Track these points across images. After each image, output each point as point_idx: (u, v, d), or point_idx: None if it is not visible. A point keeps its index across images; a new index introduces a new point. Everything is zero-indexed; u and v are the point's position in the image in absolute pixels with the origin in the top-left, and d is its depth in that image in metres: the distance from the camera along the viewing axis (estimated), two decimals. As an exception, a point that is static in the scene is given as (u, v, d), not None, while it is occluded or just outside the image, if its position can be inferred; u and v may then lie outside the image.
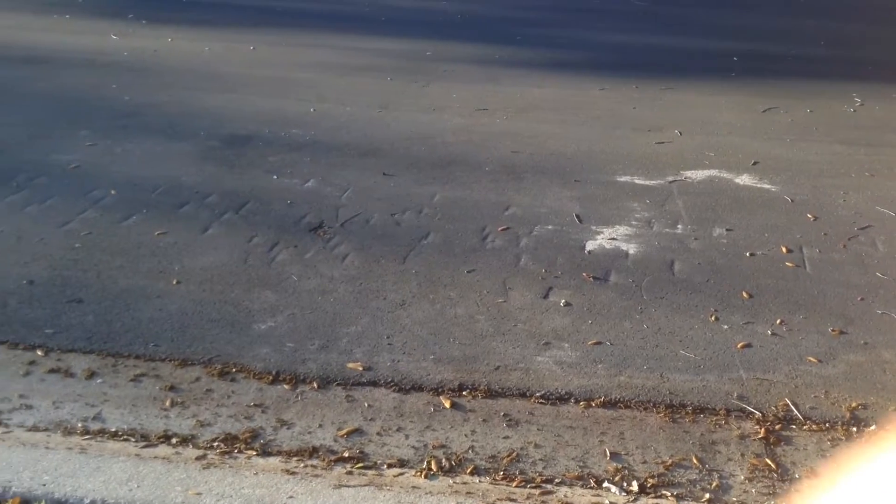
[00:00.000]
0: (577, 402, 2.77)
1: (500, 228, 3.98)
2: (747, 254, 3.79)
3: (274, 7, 8.85)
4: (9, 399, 2.72)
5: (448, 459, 2.49)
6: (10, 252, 3.62)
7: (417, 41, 7.65)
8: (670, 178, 4.63)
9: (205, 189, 4.33)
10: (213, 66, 6.62)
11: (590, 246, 3.84)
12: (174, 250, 3.70)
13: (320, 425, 2.64)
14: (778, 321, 3.26)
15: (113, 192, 4.23)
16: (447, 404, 2.75)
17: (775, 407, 2.75)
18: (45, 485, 2.23)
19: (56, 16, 8.08)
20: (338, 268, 3.60)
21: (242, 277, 3.50)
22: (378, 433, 2.61)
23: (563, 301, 3.37)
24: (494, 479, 2.41)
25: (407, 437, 2.59)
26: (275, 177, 4.52)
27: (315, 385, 2.83)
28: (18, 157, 4.65)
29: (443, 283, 3.50)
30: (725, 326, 3.22)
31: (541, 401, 2.77)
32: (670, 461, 2.49)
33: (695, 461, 2.50)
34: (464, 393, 2.81)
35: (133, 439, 2.55)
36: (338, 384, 2.85)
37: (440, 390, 2.82)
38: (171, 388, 2.80)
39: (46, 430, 2.58)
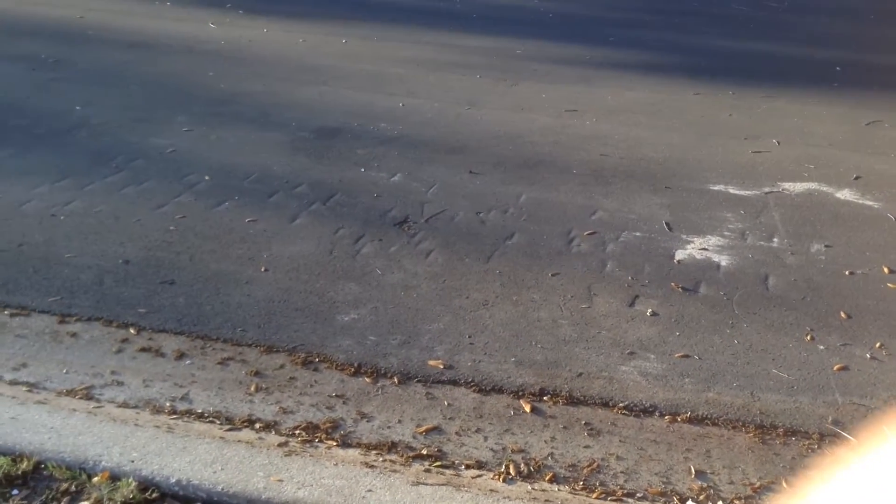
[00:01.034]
0: (661, 415, 2.69)
1: (586, 232, 3.92)
2: (846, 272, 3.63)
3: (367, 1, 8.94)
4: (101, 375, 2.81)
5: (527, 465, 2.45)
6: (109, 231, 3.74)
7: (508, 39, 7.60)
8: (767, 190, 4.47)
9: (294, 179, 4.40)
10: (306, 57, 6.73)
11: (679, 255, 3.74)
12: (263, 238, 3.77)
13: (400, 421, 2.64)
14: (877, 344, 3.11)
15: (207, 177, 4.34)
16: (527, 408, 2.71)
17: (872, 434, 2.62)
18: (133, 461, 2.30)
19: (158, 3, 8.35)
20: (421, 264, 3.60)
21: (328, 268, 3.54)
22: (457, 433, 2.59)
23: (649, 310, 3.29)
24: (574, 488, 2.36)
25: (486, 438, 2.57)
26: (362, 170, 4.56)
27: (396, 380, 2.84)
28: (119, 139, 4.82)
29: (526, 284, 3.46)
30: (821, 347, 3.09)
31: (624, 412, 2.71)
32: (758, 483, 2.40)
33: (784, 485, 2.40)
34: (545, 398, 2.77)
35: (218, 422, 2.60)
36: (418, 381, 2.85)
37: (521, 394, 2.79)
38: (256, 374, 2.85)
39: (136, 407, 2.66)
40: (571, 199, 4.30)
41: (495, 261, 3.65)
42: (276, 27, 7.61)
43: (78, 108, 5.26)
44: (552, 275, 3.54)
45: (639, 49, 7.54)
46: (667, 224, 4.03)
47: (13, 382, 2.73)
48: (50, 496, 2.14)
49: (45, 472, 2.23)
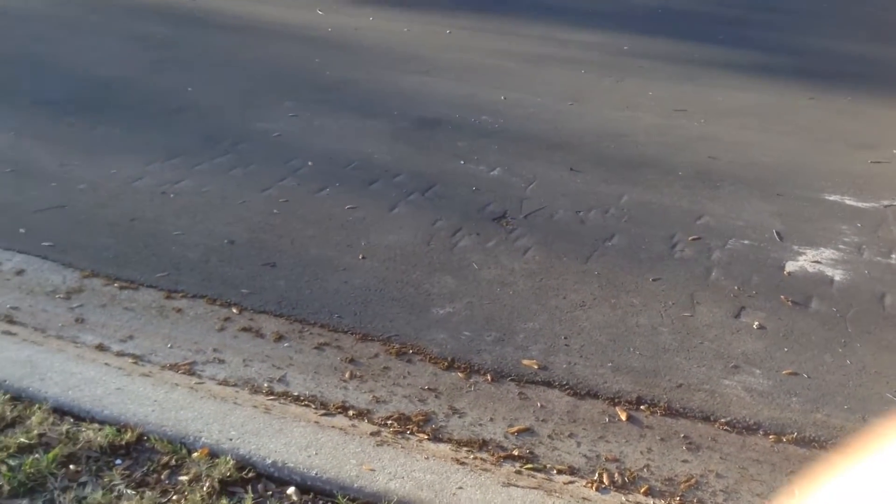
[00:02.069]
0: (766, 434, 2.57)
1: (690, 238, 3.79)
2: (974, 295, 3.39)
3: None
4: (204, 351, 2.89)
5: (621, 475, 2.38)
6: (216, 211, 3.84)
7: (614, 34, 7.44)
8: (886, 203, 4.22)
9: (394, 168, 4.42)
10: (410, 47, 6.75)
11: (790, 267, 3.57)
12: (362, 225, 3.80)
13: (491, 419, 2.61)
14: None
15: (310, 163, 4.41)
16: (623, 416, 2.64)
17: None
18: (231, 439, 2.34)
19: (269, -10, 8.54)
20: (518, 260, 3.56)
21: (424, 260, 3.54)
22: (549, 436, 2.54)
23: (756, 323, 3.15)
24: (670, 503, 2.28)
25: (579, 444, 2.51)
26: (462, 162, 4.54)
27: (489, 377, 2.81)
28: (228, 121, 4.94)
29: (626, 288, 3.37)
30: (943, 374, 2.89)
31: (726, 427, 2.60)
32: (869, 516, 2.26)
33: (898, 520, 2.25)
34: (642, 407, 2.69)
35: (313, 406, 2.63)
36: (511, 379, 2.81)
37: (617, 400, 2.72)
38: (351, 361, 2.87)
39: (235, 385, 2.71)
40: (676, 202, 4.16)
41: (594, 262, 3.57)
42: (381, 16, 7.67)
43: (189, 89, 5.42)
44: (653, 280, 3.44)
45: (750, 48, 7.25)
46: (777, 233, 3.85)
47: (120, 354, 2.83)
48: (151, 468, 2.21)
49: (147, 444, 2.30)
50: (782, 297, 3.33)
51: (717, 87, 6.08)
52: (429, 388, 2.74)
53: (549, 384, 2.79)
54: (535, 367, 2.86)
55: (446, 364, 2.87)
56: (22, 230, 3.57)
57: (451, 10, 8.03)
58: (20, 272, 3.28)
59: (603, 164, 4.59)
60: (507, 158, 4.60)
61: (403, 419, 2.58)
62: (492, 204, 4.06)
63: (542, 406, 2.68)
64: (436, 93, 5.64)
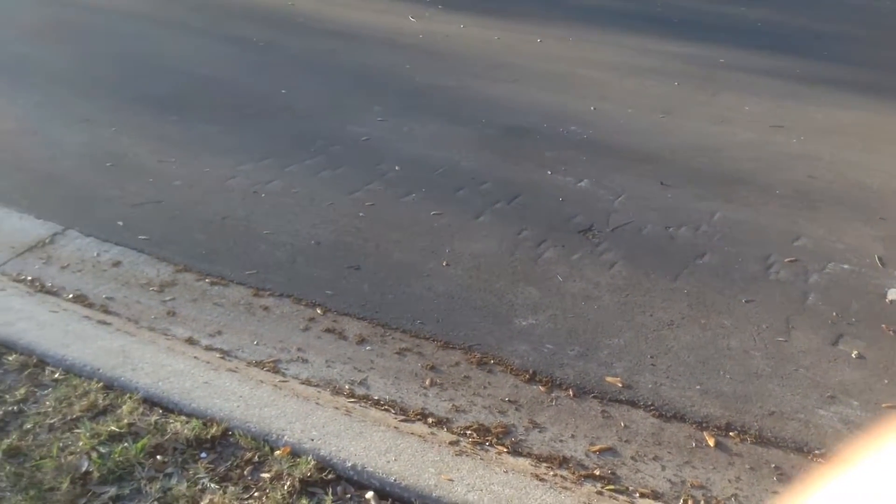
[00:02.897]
0: (864, 471, 2.44)
1: (786, 259, 3.64)
2: None
3: (565, 2, 8.84)
4: (288, 350, 2.93)
5: (707, 502, 2.30)
6: (304, 212, 3.90)
7: (710, 46, 7.25)
8: None
9: (480, 176, 4.40)
10: (500, 55, 6.73)
11: (893, 295, 3.38)
12: (447, 232, 3.79)
13: (573, 435, 2.56)
14: None
15: (397, 167, 4.43)
16: (710, 442, 2.54)
17: None
18: (312, 440, 2.36)
19: (363, -4, 8.66)
20: (604, 275, 3.49)
21: (508, 269, 3.50)
22: (632, 457, 2.47)
23: (855, 352, 3.00)
24: (758, 537, 2.19)
25: (663, 468, 2.43)
26: (549, 172, 4.49)
27: (571, 392, 2.75)
28: (318, 124, 5.02)
29: (716, 309, 3.26)
30: None
31: (820, 460, 2.48)
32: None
33: None
34: (731, 433, 2.59)
35: (393, 411, 2.63)
36: (594, 396, 2.75)
37: (704, 425, 2.62)
38: (432, 368, 2.86)
39: (317, 386, 2.74)
40: (772, 221, 4.01)
41: (683, 280, 3.47)
42: (472, 23, 7.67)
43: (283, 91, 5.54)
44: (746, 301, 3.31)
45: (854, 65, 6.95)
46: (879, 259, 3.67)
47: (209, 348, 2.90)
48: (234, 463, 2.24)
49: (231, 440, 2.34)
50: (883, 326, 3.16)
51: (818, 103, 5.84)
52: (509, 400, 2.71)
53: (633, 404, 2.72)
54: (619, 385, 2.79)
55: (527, 376, 2.83)
56: (120, 223, 3.69)
57: (543, 20, 7.97)
58: (117, 264, 3.40)
59: (695, 179, 4.47)
60: (595, 170, 4.53)
61: (483, 430, 2.56)
62: (578, 216, 3.99)
63: (625, 426, 2.61)
64: (524, 101, 5.60)
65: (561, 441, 2.53)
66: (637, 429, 2.60)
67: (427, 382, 2.78)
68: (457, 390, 2.75)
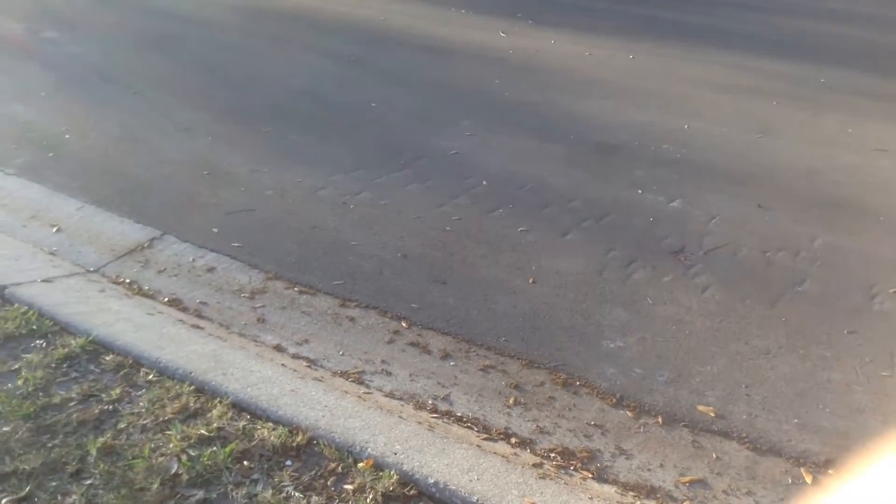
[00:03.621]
0: (980, 521, 2.28)
1: (892, 290, 3.45)
2: None
3: (658, 17, 8.70)
4: (372, 362, 2.93)
5: (804, 544, 2.18)
6: (391, 225, 3.92)
7: (811, 65, 6.99)
8: None
9: (569, 193, 4.34)
10: (591, 71, 6.65)
11: None
12: (533, 249, 3.75)
13: (661, 465, 2.47)
14: None
15: (485, 182, 4.41)
16: (808, 479, 2.42)
17: None
18: (395, 454, 2.34)
19: (453, 10, 8.71)
20: (697, 299, 3.38)
21: (596, 289, 3.43)
22: (724, 491, 2.37)
23: (969, 392, 2.81)
24: (861, 585, 2.06)
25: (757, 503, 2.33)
26: (639, 191, 4.39)
27: (660, 420, 2.67)
28: (408, 137, 5.05)
29: (816, 339, 3.11)
30: None
31: (930, 507, 2.33)
32: None
33: None
34: (830, 471, 2.45)
35: (476, 429, 2.59)
36: (684, 425, 2.65)
37: (802, 461, 2.50)
38: (516, 387, 2.81)
39: (401, 399, 2.73)
40: (876, 249, 3.81)
41: (781, 307, 3.32)
42: (563, 39, 7.62)
43: (373, 104, 5.60)
44: (848, 332, 3.15)
45: (968, 86, 6.59)
46: None
47: (296, 356, 2.93)
48: (318, 473, 2.24)
49: (315, 449, 2.34)
50: None
51: (928, 126, 5.55)
52: (595, 424, 2.64)
53: (726, 435, 2.61)
54: (712, 414, 2.69)
55: (614, 401, 2.76)
56: (215, 230, 3.79)
57: (636, 36, 7.85)
58: (211, 269, 3.48)
59: (794, 202, 4.29)
60: (688, 190, 4.41)
61: (567, 454, 2.50)
62: (670, 237, 3.89)
63: (717, 458, 2.51)
64: (615, 118, 5.51)
65: (649, 470, 2.45)
66: (730, 461, 2.49)
67: (511, 401, 2.74)
68: (541, 411, 2.70)
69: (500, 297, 3.35)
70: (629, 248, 3.78)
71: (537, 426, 2.62)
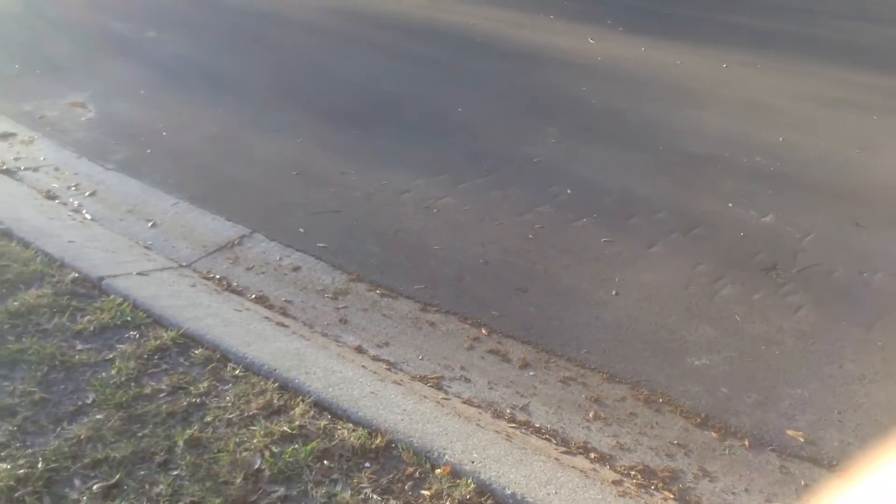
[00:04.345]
0: None
1: None
2: None
3: (752, 26, 8.46)
4: (451, 367, 2.93)
5: (899, 584, 2.07)
6: (473, 231, 3.92)
7: (917, 78, 6.68)
8: None
9: (655, 204, 4.25)
10: (682, 80, 6.51)
11: None
12: (617, 260, 3.68)
13: (746, 489, 2.39)
14: None
15: (569, 191, 4.37)
16: (905, 515, 2.30)
17: None
18: (473, 462, 2.33)
19: (542, 15, 8.66)
20: (788, 318, 3.26)
21: (681, 304, 3.35)
22: (813, 521, 2.28)
23: None
24: None
25: (849, 537, 2.22)
26: (730, 204, 4.27)
27: (746, 443, 2.58)
28: (492, 143, 5.04)
29: (917, 366, 2.96)
30: None
31: None
32: None
33: None
34: (929, 508, 2.33)
35: (554, 441, 2.56)
36: (772, 449, 2.56)
37: (898, 495, 2.38)
38: (596, 401, 2.77)
39: (479, 407, 2.72)
40: None
41: (878, 331, 3.18)
42: (654, 47, 7.48)
43: (460, 109, 5.62)
44: (952, 361, 2.99)
45: None
46: None
47: (376, 358, 2.96)
48: (396, 477, 2.25)
49: (394, 452, 2.35)
50: None
51: None
52: (678, 444, 2.57)
53: (815, 461, 2.51)
54: (801, 439, 2.59)
55: (699, 420, 2.68)
56: (301, 230, 3.86)
57: (728, 45, 7.65)
58: (296, 269, 3.55)
59: (894, 221, 4.10)
60: (782, 205, 4.26)
61: (648, 472, 2.44)
62: (761, 253, 3.77)
63: (805, 485, 2.41)
64: (706, 129, 5.38)
65: (733, 494, 2.37)
66: (819, 489, 2.39)
67: (590, 415, 2.70)
68: (621, 427, 2.65)
69: (582, 308, 3.31)
70: (718, 262, 3.68)
71: (617, 442, 2.57)
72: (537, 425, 2.64)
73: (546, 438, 2.58)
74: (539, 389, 2.82)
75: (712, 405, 2.74)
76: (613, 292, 3.43)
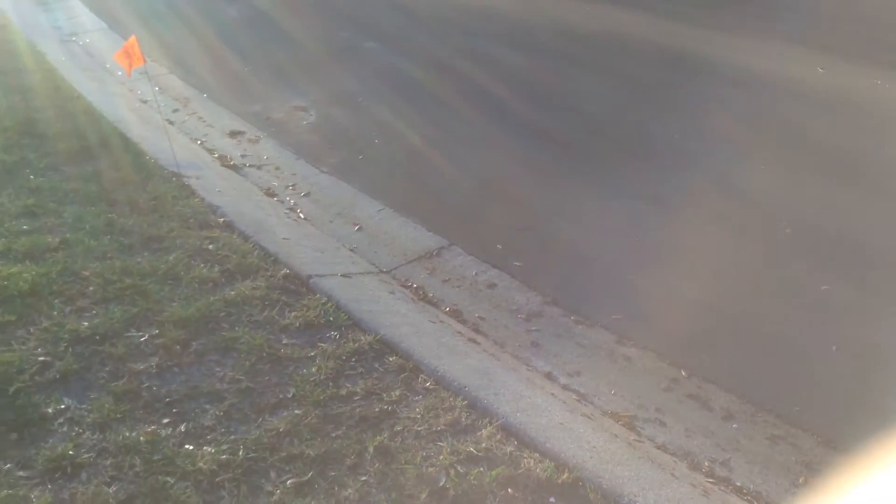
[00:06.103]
0: None
1: None
2: None
3: None
4: (646, 408, 2.77)
5: None
6: (678, 264, 3.70)
7: None
8: None
9: (889, 253, 3.82)
10: (924, 117, 5.86)
11: None
12: (838, 311, 3.34)
13: None
14: None
15: (788, 230, 4.03)
16: None
17: None
18: (664, 514, 2.18)
19: (769, 43, 8.14)
20: None
21: (914, 369, 2.98)
22: None
23: None
24: None
25: None
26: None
27: None
28: (702, 173, 4.76)
29: None
30: None
31: None
32: None
33: None
34: None
35: (757, 503, 2.34)
36: None
37: None
38: (807, 466, 2.51)
39: (674, 454, 2.55)
40: None
41: None
42: (893, 80, 6.80)
43: (676, 136, 5.37)
44: None
45: None
46: None
47: (566, 387, 2.86)
48: (584, 518, 2.14)
49: (580, 491, 2.24)
50: None
51: None
52: (903, 530, 2.26)
53: None
54: None
55: (930, 506, 2.35)
56: (499, 246, 3.84)
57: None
58: (492, 286, 3.52)
59: None
60: None
61: (866, 557, 2.16)
62: None
63: None
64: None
65: None
66: None
67: (800, 480, 2.45)
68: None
69: (794, 360, 3.02)
70: (960, 327, 3.24)
71: (830, 516, 2.31)
72: (738, 483, 2.43)
73: (747, 499, 2.37)
74: (742, 444, 2.60)
75: (949, 491, 2.39)
76: (833, 348, 3.11)
